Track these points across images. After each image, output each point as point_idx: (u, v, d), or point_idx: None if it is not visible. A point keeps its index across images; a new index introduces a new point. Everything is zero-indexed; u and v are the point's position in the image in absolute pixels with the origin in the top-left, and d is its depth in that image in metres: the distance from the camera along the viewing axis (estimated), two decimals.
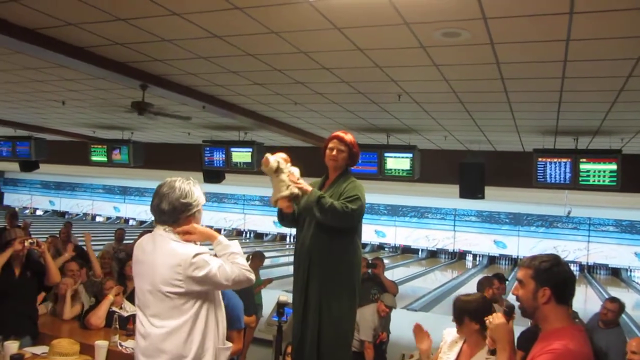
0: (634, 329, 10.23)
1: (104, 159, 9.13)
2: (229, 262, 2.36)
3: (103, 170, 12.32)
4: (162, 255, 2.35)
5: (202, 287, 2.32)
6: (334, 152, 3.17)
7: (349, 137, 3.24)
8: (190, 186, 2.43)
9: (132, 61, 4.49)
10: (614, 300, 5.17)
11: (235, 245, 2.45)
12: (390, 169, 7.29)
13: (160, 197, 2.40)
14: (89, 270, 5.67)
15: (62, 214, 29.06)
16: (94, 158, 9.27)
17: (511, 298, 2.77)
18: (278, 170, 3.05)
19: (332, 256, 3.04)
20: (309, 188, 3.04)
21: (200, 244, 2.45)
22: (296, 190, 3.02)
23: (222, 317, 2.49)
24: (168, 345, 2.31)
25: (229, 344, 2.51)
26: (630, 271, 20.27)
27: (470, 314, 2.90)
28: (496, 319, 2.30)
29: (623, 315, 11.52)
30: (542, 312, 2.05)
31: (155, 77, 4.89)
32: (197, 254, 2.30)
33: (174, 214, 2.39)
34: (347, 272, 3.07)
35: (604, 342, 4.61)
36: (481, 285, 5.38)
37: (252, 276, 2.43)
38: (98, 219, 28.81)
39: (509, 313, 2.21)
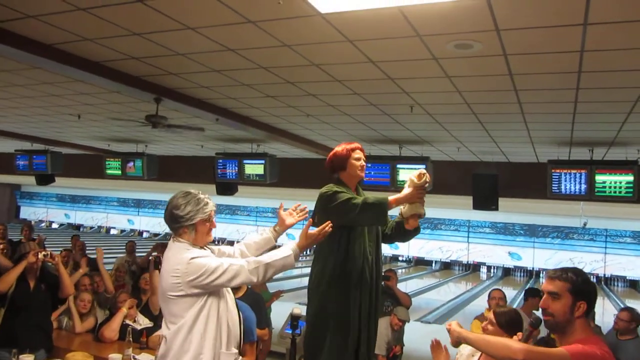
0: None
1: (119, 172, 9.20)
2: (244, 263, 2.50)
3: (117, 183, 12.43)
4: (166, 262, 2.56)
5: (199, 290, 2.46)
6: (364, 164, 3.12)
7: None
8: (188, 200, 2.57)
9: (146, 75, 4.54)
10: (624, 309, 5.11)
11: (290, 252, 2.56)
12: (403, 181, 7.19)
13: (167, 205, 2.63)
14: (94, 283, 5.68)
15: (77, 227, 29.29)
16: (108, 171, 9.35)
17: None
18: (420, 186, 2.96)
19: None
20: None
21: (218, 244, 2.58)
22: (423, 212, 3.02)
23: (230, 323, 2.56)
24: (172, 345, 2.49)
25: (234, 351, 2.54)
26: None
27: (502, 325, 2.90)
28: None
29: None
30: (573, 325, 2.05)
31: (169, 90, 4.94)
32: (193, 258, 2.47)
33: (169, 223, 2.62)
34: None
35: (622, 353, 4.53)
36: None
37: (251, 277, 2.50)
38: (112, 231, 29.00)
39: (535, 325, 2.18)
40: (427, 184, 2.89)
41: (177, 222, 2.56)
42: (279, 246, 2.69)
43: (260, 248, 2.89)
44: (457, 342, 2.28)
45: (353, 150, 3.10)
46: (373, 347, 3.12)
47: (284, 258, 2.54)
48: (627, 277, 20.03)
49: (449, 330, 2.31)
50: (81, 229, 28.63)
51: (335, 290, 2.96)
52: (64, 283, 4.27)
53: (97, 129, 7.63)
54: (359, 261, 2.99)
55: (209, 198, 2.65)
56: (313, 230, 2.66)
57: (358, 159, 3.08)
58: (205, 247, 2.65)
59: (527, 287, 18.17)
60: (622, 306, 14.73)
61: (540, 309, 2.14)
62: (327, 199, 2.94)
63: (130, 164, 9.00)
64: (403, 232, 3.14)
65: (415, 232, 3.12)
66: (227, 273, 2.46)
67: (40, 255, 4.12)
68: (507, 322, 2.91)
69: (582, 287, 2.05)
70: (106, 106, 5.97)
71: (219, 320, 2.51)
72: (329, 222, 2.66)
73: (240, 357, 2.61)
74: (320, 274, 3.00)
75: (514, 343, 2.01)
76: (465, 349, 2.97)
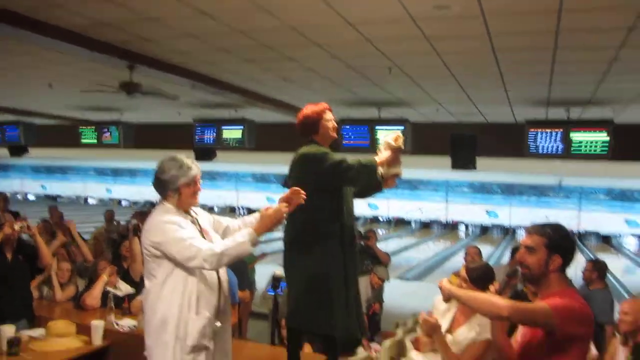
0: (624, 294, 10.42)
1: (94, 141, 9.04)
2: (215, 243, 2.56)
3: (93, 152, 12.22)
4: (146, 221, 2.68)
5: (160, 253, 2.53)
6: (335, 124, 3.08)
7: None
8: (172, 164, 2.61)
9: (118, 41, 4.41)
10: (588, 261, 5.31)
11: (246, 238, 2.52)
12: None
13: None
14: (71, 253, 5.65)
15: (54, 198, 28.90)
16: (84, 140, 9.18)
17: None
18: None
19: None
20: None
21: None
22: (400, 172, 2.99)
23: (204, 288, 2.57)
24: (146, 303, 2.63)
25: (206, 315, 2.56)
26: (621, 238, 20.57)
27: (473, 279, 2.95)
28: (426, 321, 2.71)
29: (613, 281, 11.74)
30: (549, 279, 2.13)
31: (142, 56, 4.81)
32: (159, 221, 2.56)
33: (155, 187, 2.69)
34: None
35: (592, 303, 4.69)
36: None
37: (204, 264, 2.48)
38: (90, 201, 28.71)
39: (512, 275, 2.25)
40: (402, 145, 2.90)
41: (162, 187, 2.63)
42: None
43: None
44: (448, 298, 2.35)
45: (323, 111, 3.02)
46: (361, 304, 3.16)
47: (239, 245, 2.51)
48: (600, 233, 20.63)
49: (440, 287, 2.37)
50: (58, 200, 28.27)
51: (330, 248, 2.93)
52: (42, 253, 4.24)
53: (70, 97, 7.45)
54: (349, 219, 3.00)
55: (195, 163, 2.67)
56: (269, 211, 2.62)
57: (329, 120, 3.02)
58: (189, 212, 2.68)
59: (505, 244, 18.62)
60: None
61: (518, 262, 2.21)
62: (317, 160, 2.86)
63: (106, 133, 8.85)
64: (372, 190, 3.13)
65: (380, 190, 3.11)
66: (185, 251, 2.48)
67: (17, 227, 4.06)
68: (478, 277, 2.96)
69: (557, 242, 2.11)
70: (78, 74, 5.82)
71: (188, 284, 2.53)
72: (283, 205, 2.62)
73: (218, 323, 2.63)
74: (310, 234, 2.91)
75: (500, 300, 2.07)
76: (441, 304, 3.05)
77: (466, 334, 2.87)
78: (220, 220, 2.89)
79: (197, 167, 2.66)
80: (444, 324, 2.98)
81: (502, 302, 2.04)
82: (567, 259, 2.14)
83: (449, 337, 2.91)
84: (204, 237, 2.64)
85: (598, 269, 5.07)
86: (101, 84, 5.54)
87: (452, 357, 2.83)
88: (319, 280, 2.89)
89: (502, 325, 2.28)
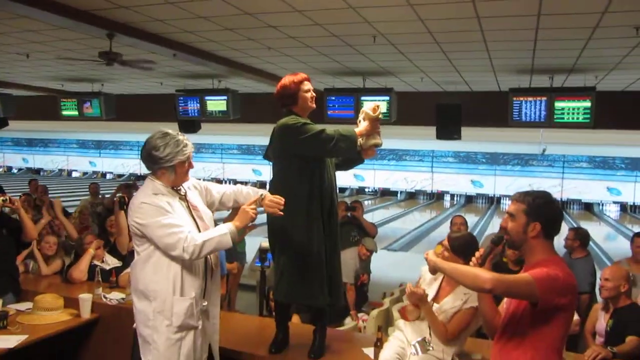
0: (605, 261, 10.65)
1: (75, 113, 8.88)
2: (197, 235, 2.51)
3: (76, 124, 12.06)
4: (133, 196, 2.66)
5: (142, 233, 2.52)
6: (314, 94, 3.02)
7: None
8: (167, 141, 2.55)
9: (96, 9, 4.31)
10: (570, 229, 5.33)
11: (228, 232, 2.53)
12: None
13: (144, 144, 2.62)
14: (54, 227, 5.61)
15: (37, 171, 28.60)
16: (64, 112, 9.01)
17: None
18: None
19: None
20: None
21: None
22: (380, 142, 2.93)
23: (187, 269, 2.54)
24: (132, 276, 2.65)
25: (191, 295, 2.54)
26: (602, 205, 20.94)
27: (455, 249, 2.98)
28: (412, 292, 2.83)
29: (595, 247, 11.97)
30: (530, 245, 2.17)
31: (122, 25, 4.71)
32: (143, 203, 2.52)
33: (147, 163, 2.62)
34: None
35: (574, 271, 4.78)
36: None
37: (184, 255, 2.46)
38: (74, 174, 28.44)
39: (496, 242, 2.28)
40: (381, 115, 2.87)
41: (156, 164, 2.57)
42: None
43: (247, 200, 2.80)
44: (433, 269, 2.38)
45: (301, 82, 2.96)
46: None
47: (220, 237, 2.51)
48: (582, 200, 20.98)
49: (426, 259, 2.40)
50: (41, 173, 27.98)
51: (311, 221, 2.93)
52: (26, 227, 4.19)
53: (49, 68, 7.29)
54: (330, 192, 3.00)
55: (187, 139, 2.62)
56: (250, 209, 2.61)
57: (307, 91, 2.97)
58: (180, 188, 2.65)
59: (490, 213, 18.84)
60: None
61: (501, 228, 2.26)
62: (296, 130, 2.82)
63: (87, 104, 8.69)
64: (353, 161, 3.14)
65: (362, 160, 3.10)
66: (166, 238, 2.46)
67: None
68: (460, 246, 2.99)
69: (536, 210, 2.14)
70: (56, 44, 5.68)
71: (170, 266, 2.51)
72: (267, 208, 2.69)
73: (205, 302, 2.62)
74: (291, 208, 2.83)
75: (483, 272, 2.09)
76: (427, 274, 3.08)
77: (452, 302, 2.92)
78: (212, 191, 2.85)
79: (191, 144, 2.62)
80: (431, 293, 3.02)
81: (485, 275, 2.06)
82: (549, 227, 2.15)
83: (435, 307, 2.96)
84: (192, 215, 2.63)
85: (580, 237, 5.12)
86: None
87: (439, 325, 2.88)
88: (301, 253, 2.92)
89: (488, 295, 2.31)
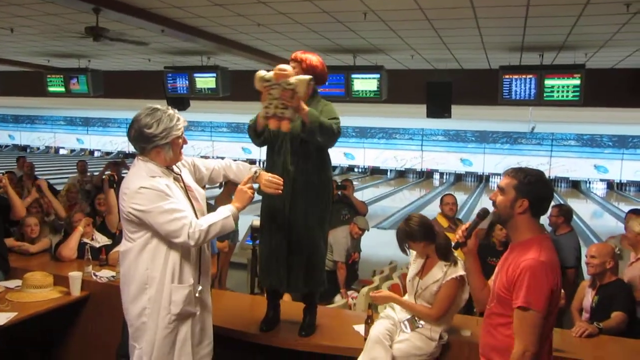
0: (591, 237, 10.80)
1: (62, 89, 8.75)
2: (200, 218, 2.45)
3: (62, 101, 11.89)
4: (125, 179, 2.48)
5: (140, 220, 2.39)
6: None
7: (308, 58, 2.96)
8: (159, 117, 2.39)
9: None
10: (554, 206, 5.33)
11: (223, 217, 2.47)
12: (358, 91, 7.23)
13: (132, 123, 2.45)
14: (42, 205, 5.54)
15: (24, 148, 28.30)
16: (51, 89, 8.88)
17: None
18: (267, 84, 2.72)
19: (313, 177, 2.91)
20: (305, 107, 2.70)
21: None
22: (272, 112, 2.69)
23: (185, 255, 2.47)
24: (122, 265, 2.51)
25: (190, 282, 2.47)
26: (590, 183, 21.16)
27: (411, 238, 3.01)
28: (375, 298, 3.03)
29: (582, 225, 12.11)
30: (516, 221, 2.16)
31: None
32: (142, 187, 2.37)
33: (138, 142, 2.45)
34: (324, 190, 2.98)
35: (558, 248, 4.85)
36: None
37: (189, 241, 2.38)
38: (61, 151, 28.18)
39: (482, 216, 2.28)
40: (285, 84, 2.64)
41: (150, 142, 2.40)
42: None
43: (236, 176, 2.81)
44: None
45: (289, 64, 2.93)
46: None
47: (224, 220, 2.46)
48: (570, 178, 21.17)
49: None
50: (28, 150, 27.69)
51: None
52: (14, 205, 4.16)
53: (34, 43, 7.16)
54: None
55: (177, 112, 2.48)
56: (247, 189, 2.56)
57: None
58: (178, 169, 2.56)
59: (479, 191, 18.96)
60: None
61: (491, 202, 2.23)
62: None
63: (74, 81, 8.57)
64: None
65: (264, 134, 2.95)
66: (170, 224, 2.35)
67: None
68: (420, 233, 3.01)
69: (525, 186, 2.13)
70: (41, 18, 5.57)
71: (170, 253, 2.43)
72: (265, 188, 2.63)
73: (200, 287, 2.54)
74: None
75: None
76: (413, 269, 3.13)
77: (434, 277, 2.96)
78: (200, 167, 2.77)
79: (183, 118, 2.49)
80: (415, 269, 3.08)
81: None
82: (536, 205, 2.15)
83: (419, 282, 3.00)
84: (188, 197, 2.54)
85: (564, 213, 5.17)
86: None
87: (422, 311, 2.95)
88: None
89: (477, 267, 2.34)
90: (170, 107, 2.48)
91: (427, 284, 2.96)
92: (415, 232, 2.98)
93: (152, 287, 2.41)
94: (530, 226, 2.16)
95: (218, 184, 3.50)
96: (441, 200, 5.64)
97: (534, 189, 2.15)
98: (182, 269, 2.46)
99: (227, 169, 2.83)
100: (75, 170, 8.65)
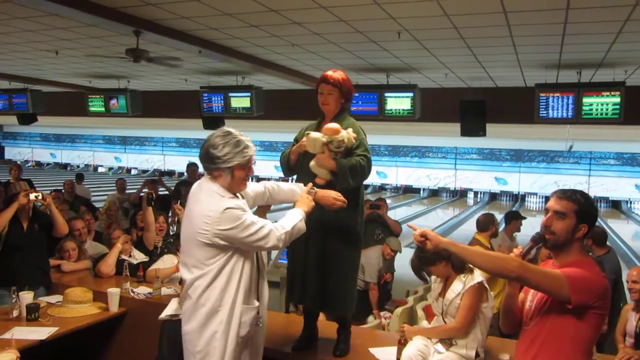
0: (633, 259, 10.44)
1: (102, 109, 9.03)
2: (276, 226, 2.44)
3: (102, 120, 12.25)
4: (197, 203, 2.43)
5: (226, 242, 2.36)
6: (324, 97, 2.95)
7: (336, 75, 2.95)
8: (227, 140, 2.39)
9: (123, 6, 4.37)
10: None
11: (298, 220, 2.52)
12: (391, 110, 7.23)
13: (204, 142, 2.46)
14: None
15: (64, 166, 29.15)
16: (91, 109, 9.17)
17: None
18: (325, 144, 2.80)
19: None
20: (332, 162, 2.78)
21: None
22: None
23: (253, 276, 2.49)
24: (192, 292, 2.42)
25: (256, 304, 2.50)
26: (631, 203, 20.51)
27: (429, 262, 3.01)
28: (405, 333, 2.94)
29: (623, 246, 11.73)
30: (571, 246, 2.10)
31: (148, 22, 4.77)
32: (227, 208, 2.34)
33: (204, 162, 2.45)
34: (355, 208, 2.95)
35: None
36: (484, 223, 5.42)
37: (278, 243, 2.43)
38: (100, 169, 28.91)
39: (537, 241, 2.18)
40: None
41: (213, 163, 2.39)
42: None
43: (284, 199, 2.84)
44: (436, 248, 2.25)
45: (318, 83, 2.97)
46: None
47: (299, 222, 2.51)
48: (610, 198, 20.56)
49: (426, 236, 2.24)
50: (68, 168, 28.51)
51: None
52: (57, 222, 4.27)
53: (77, 65, 7.42)
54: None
55: (250, 141, 2.44)
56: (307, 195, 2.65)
57: (321, 94, 2.97)
58: (239, 196, 2.53)
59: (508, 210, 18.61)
60: (605, 227, 15.22)
61: (543, 226, 2.13)
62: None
63: (114, 101, 8.83)
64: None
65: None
66: (258, 233, 2.38)
67: (32, 196, 4.09)
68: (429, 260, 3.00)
69: (587, 210, 2.07)
70: (84, 41, 5.78)
71: (242, 274, 2.43)
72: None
73: (263, 310, 2.57)
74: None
75: (511, 259, 2.03)
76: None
77: (456, 289, 2.95)
78: (247, 191, 2.67)
79: (253, 147, 2.44)
80: (437, 290, 3.08)
81: (513, 262, 2.01)
82: (591, 229, 2.10)
83: (443, 300, 2.99)
84: None
85: (591, 236, 5.00)
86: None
87: (447, 330, 2.93)
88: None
89: (517, 291, 2.26)
90: (243, 134, 2.45)
91: (450, 298, 2.95)
92: (431, 256, 2.96)
93: (224, 309, 2.39)
94: (578, 249, 2.11)
95: None
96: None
97: (593, 212, 2.10)
98: (250, 291, 2.47)
99: (272, 192, 2.80)
100: (113, 187, 8.86)
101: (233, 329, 2.41)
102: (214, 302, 2.39)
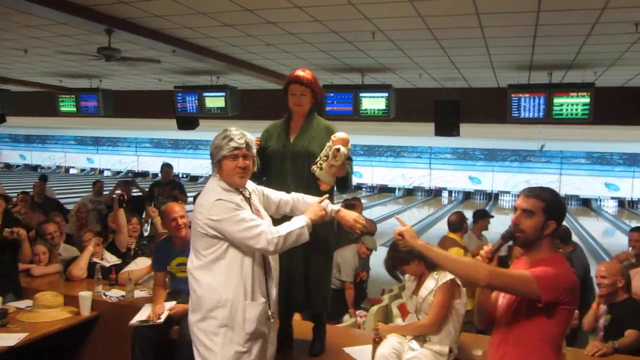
0: (603, 256, 10.67)
1: (73, 109, 8.86)
2: (273, 229, 2.42)
3: (73, 120, 12.02)
4: (200, 196, 2.53)
5: (217, 234, 2.38)
6: (297, 98, 2.91)
7: (307, 75, 2.90)
8: (220, 135, 2.46)
9: (95, 4, 4.29)
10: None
11: (299, 226, 2.47)
12: (366, 109, 7.26)
13: None
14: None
15: (35, 168, 28.52)
16: (62, 109, 9.00)
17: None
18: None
19: (314, 193, 2.87)
20: (345, 171, 2.88)
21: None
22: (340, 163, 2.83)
23: (257, 272, 2.45)
24: (193, 282, 2.46)
25: (262, 300, 2.45)
26: (600, 201, 20.97)
27: (402, 262, 3.05)
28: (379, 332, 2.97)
29: (594, 243, 11.97)
30: (540, 244, 2.12)
31: (120, 20, 4.70)
32: (219, 200, 2.40)
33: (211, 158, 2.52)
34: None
35: None
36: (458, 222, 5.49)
37: (268, 247, 2.39)
38: (72, 171, 28.37)
39: (507, 238, 2.19)
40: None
41: (211, 159, 2.50)
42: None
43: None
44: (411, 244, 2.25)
45: (289, 83, 2.93)
46: None
47: (300, 229, 2.45)
48: (581, 196, 20.99)
49: (401, 235, 2.28)
50: (39, 170, 27.90)
51: None
52: (24, 251, 4.37)
53: (47, 64, 7.27)
54: None
55: (241, 134, 2.45)
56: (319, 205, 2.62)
57: (294, 94, 2.93)
58: (243, 190, 2.52)
59: (488, 209, 18.86)
60: (576, 224, 15.53)
61: (512, 225, 2.14)
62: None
63: (85, 100, 8.68)
64: None
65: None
66: (249, 231, 2.36)
67: (7, 233, 4.13)
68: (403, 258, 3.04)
69: (554, 208, 2.09)
70: (54, 39, 5.66)
71: (243, 271, 2.41)
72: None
73: (271, 310, 2.51)
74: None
75: (482, 266, 2.05)
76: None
77: (429, 286, 2.98)
78: (270, 196, 2.71)
79: (238, 140, 2.42)
80: (410, 288, 3.13)
81: (483, 270, 2.02)
82: (559, 225, 2.12)
83: (416, 298, 3.04)
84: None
85: (558, 235, 5.09)
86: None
87: (420, 327, 2.97)
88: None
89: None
90: (237, 129, 2.49)
91: (423, 296, 2.99)
92: (405, 255, 3.00)
93: (226, 305, 2.38)
94: (548, 246, 2.13)
95: None
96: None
97: (560, 209, 2.12)
98: (254, 285, 2.43)
99: (296, 202, 2.74)
100: (86, 189, 8.68)
101: (237, 324, 2.38)
102: (214, 295, 2.38)
